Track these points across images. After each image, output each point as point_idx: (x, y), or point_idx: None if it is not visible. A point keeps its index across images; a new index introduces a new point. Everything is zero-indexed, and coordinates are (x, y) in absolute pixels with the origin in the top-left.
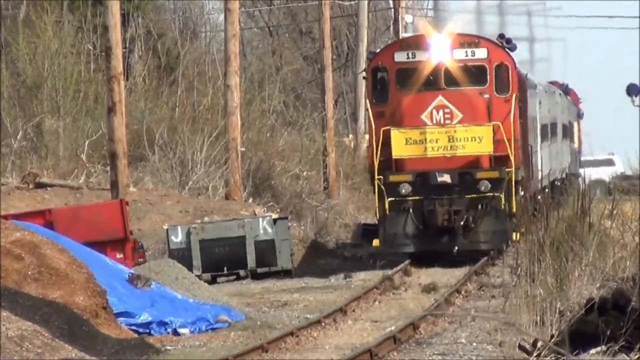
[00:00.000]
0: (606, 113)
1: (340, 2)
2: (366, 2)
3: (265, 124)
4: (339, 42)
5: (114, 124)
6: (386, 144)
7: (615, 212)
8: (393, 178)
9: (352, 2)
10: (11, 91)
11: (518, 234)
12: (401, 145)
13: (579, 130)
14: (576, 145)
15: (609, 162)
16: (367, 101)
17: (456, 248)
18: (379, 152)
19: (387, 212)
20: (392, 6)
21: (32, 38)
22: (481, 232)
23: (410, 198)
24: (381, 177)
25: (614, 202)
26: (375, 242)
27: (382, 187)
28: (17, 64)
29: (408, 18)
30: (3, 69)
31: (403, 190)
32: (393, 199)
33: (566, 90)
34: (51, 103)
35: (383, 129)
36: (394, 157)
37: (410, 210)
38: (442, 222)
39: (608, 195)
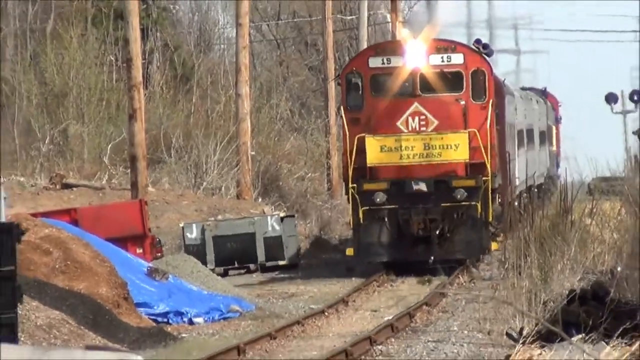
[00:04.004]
0: (590, 119)
1: (342, 17)
2: (366, 17)
3: (273, 129)
4: (341, 54)
5: (134, 130)
6: (361, 151)
7: (595, 210)
8: (367, 186)
9: (353, 17)
10: (40, 99)
11: (495, 244)
12: (376, 152)
13: (557, 133)
14: (554, 148)
15: None
16: (341, 107)
17: (432, 258)
18: (353, 160)
19: (362, 221)
20: (389, 20)
21: (59, 50)
22: (457, 241)
23: (385, 207)
24: (355, 185)
25: (594, 201)
26: (349, 251)
27: (356, 196)
28: (45, 74)
29: (404, 32)
30: (33, 78)
31: (378, 199)
32: (367, 207)
33: (545, 94)
34: (76, 110)
35: (358, 136)
36: (368, 164)
37: (385, 219)
38: (417, 231)
39: (588, 195)
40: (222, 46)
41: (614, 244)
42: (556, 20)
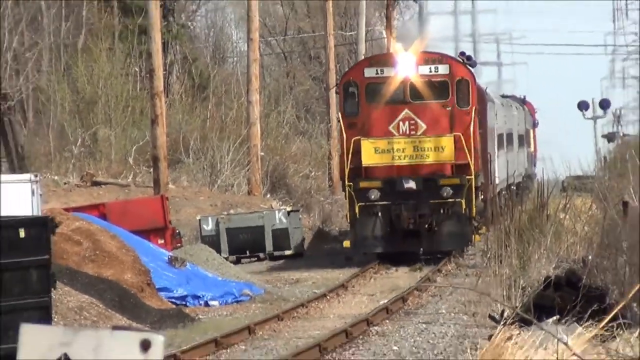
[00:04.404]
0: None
1: (342, 33)
2: (364, 33)
3: (281, 133)
4: (342, 66)
5: (156, 133)
6: (357, 153)
7: (568, 206)
8: (363, 184)
9: (352, 33)
10: (72, 106)
11: (478, 236)
12: (371, 154)
13: (534, 136)
14: (532, 149)
15: None
16: (339, 113)
17: (421, 249)
18: (350, 160)
19: (357, 216)
20: (384, 36)
21: (89, 62)
22: (444, 234)
23: (379, 203)
24: (351, 183)
25: (568, 197)
26: (346, 243)
27: (353, 193)
28: (77, 83)
29: (398, 46)
30: (66, 87)
31: (372, 196)
32: (363, 203)
33: (523, 102)
34: (105, 116)
35: (354, 139)
36: (363, 165)
37: (379, 214)
38: (408, 225)
39: (562, 192)
40: (235, 59)
41: (585, 235)
42: (534, 35)
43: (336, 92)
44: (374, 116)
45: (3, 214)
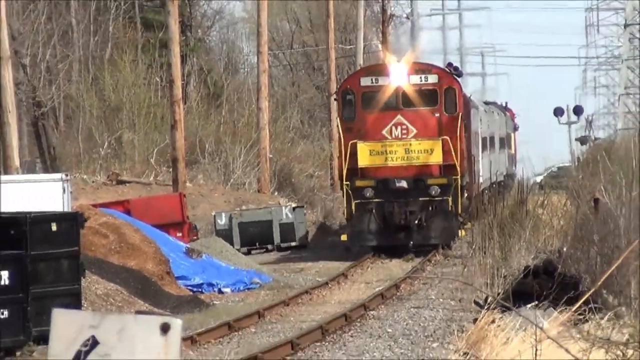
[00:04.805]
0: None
1: (342, 46)
2: (362, 46)
3: (287, 136)
4: (342, 76)
5: (175, 137)
6: (353, 155)
7: (545, 202)
8: (359, 183)
9: (351, 47)
10: (99, 112)
11: (464, 231)
12: (366, 155)
13: (515, 139)
14: (512, 151)
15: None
16: (338, 119)
17: (411, 242)
18: (347, 162)
19: (354, 212)
20: (380, 49)
21: (115, 73)
22: (432, 229)
23: (373, 200)
24: (348, 182)
25: (545, 195)
26: (344, 237)
27: (349, 191)
28: (104, 92)
29: (390, 57)
30: (94, 95)
31: (367, 194)
32: (359, 201)
33: (505, 108)
34: (128, 121)
35: (351, 142)
36: (359, 166)
37: (373, 211)
38: (399, 221)
39: (540, 190)
40: (246, 70)
41: (560, 229)
42: (515, 48)
43: (335, 99)
44: (369, 121)
45: (37, 210)
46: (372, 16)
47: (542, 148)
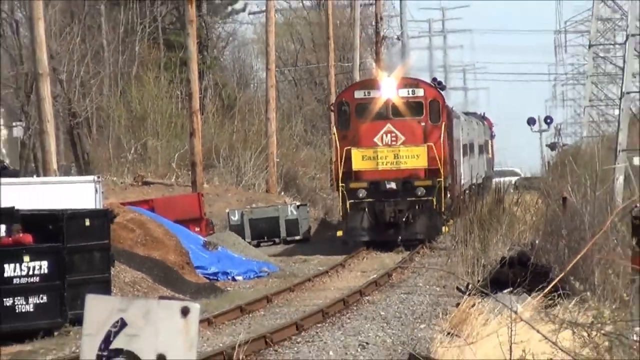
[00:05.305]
0: (516, 136)
1: (341, 64)
2: (358, 64)
3: (292, 143)
4: (340, 90)
5: (194, 143)
6: (348, 160)
7: (519, 200)
8: (353, 185)
9: (349, 64)
10: (127, 122)
11: (446, 227)
12: (359, 160)
13: (492, 146)
14: (490, 156)
15: (514, 173)
16: (334, 127)
17: (400, 238)
18: (342, 166)
19: (348, 210)
20: (374, 66)
21: (140, 87)
22: (418, 225)
23: (366, 200)
24: (343, 184)
25: (519, 194)
26: (339, 233)
27: (344, 192)
28: (131, 104)
29: (382, 74)
30: (122, 107)
31: (360, 195)
32: (352, 201)
33: (483, 117)
34: (153, 130)
35: (346, 148)
36: (353, 169)
37: (366, 209)
38: (389, 219)
39: (515, 190)
40: (256, 84)
41: (533, 224)
42: (493, 66)
43: (331, 110)
44: (362, 129)
45: (72, 207)
46: (367, 38)
47: (516, 153)
